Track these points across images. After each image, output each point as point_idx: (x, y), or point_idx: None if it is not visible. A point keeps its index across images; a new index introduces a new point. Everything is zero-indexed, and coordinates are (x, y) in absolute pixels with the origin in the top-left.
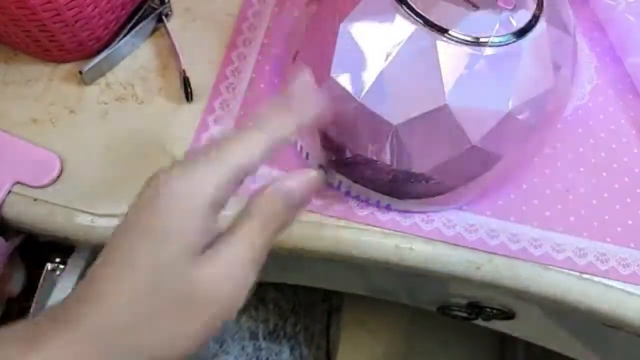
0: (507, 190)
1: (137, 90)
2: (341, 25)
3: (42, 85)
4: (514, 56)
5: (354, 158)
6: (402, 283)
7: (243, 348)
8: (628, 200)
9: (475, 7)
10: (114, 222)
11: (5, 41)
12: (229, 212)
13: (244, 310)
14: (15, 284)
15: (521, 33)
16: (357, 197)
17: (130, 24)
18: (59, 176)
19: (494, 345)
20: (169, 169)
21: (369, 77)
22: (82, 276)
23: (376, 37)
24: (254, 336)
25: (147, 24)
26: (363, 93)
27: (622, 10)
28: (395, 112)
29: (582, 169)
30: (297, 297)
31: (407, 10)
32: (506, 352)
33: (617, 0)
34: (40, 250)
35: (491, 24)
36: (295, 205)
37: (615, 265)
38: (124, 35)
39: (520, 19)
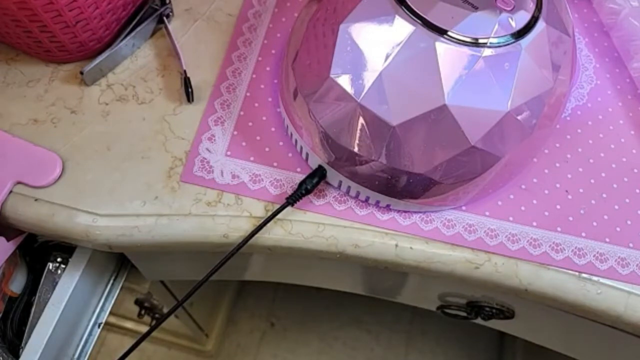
0: (507, 191)
1: (137, 91)
2: (341, 26)
3: (43, 86)
4: (513, 57)
5: (354, 158)
6: (402, 283)
7: None
8: (627, 200)
9: (475, 8)
10: (115, 221)
11: (7, 42)
12: (229, 212)
13: None
14: (17, 284)
15: (520, 34)
16: (357, 197)
17: (131, 25)
18: (59, 176)
19: (493, 344)
20: None
21: (368, 77)
22: (83, 276)
23: (375, 37)
24: None
25: (148, 25)
26: (363, 94)
27: (627, 14)
28: (394, 113)
29: (581, 169)
30: None
31: (406, 11)
32: (505, 352)
33: (621, 4)
34: (42, 249)
35: (490, 25)
36: None
37: (614, 265)
38: (125, 36)
39: (519, 20)
